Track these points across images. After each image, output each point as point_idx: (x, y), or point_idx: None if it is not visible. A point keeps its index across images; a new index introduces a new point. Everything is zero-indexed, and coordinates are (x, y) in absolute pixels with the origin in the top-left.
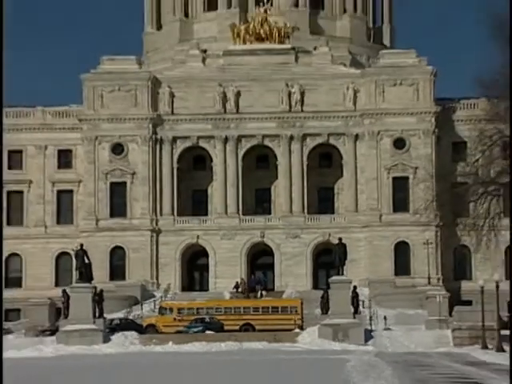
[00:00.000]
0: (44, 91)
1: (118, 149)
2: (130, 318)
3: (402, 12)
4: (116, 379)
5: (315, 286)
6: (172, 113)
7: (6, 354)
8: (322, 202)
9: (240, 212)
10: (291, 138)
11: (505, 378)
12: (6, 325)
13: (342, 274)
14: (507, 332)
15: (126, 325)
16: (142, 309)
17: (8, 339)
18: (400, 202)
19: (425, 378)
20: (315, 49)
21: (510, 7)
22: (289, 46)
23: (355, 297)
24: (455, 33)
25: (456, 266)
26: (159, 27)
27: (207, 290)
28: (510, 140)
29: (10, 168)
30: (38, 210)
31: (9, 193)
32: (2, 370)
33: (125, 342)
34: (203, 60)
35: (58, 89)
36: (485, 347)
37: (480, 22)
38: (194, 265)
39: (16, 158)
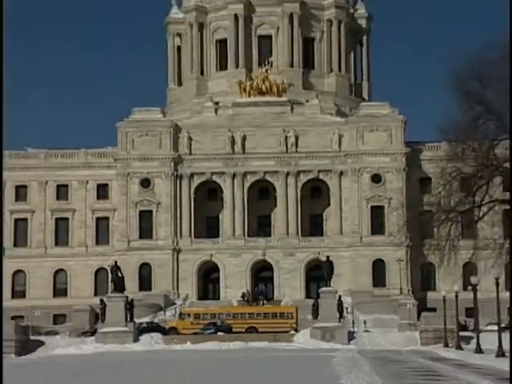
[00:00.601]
0: (85, 136)
1: (145, 183)
2: (155, 321)
3: (378, 70)
4: (144, 371)
5: (307, 296)
6: (190, 153)
7: (54, 351)
8: (312, 226)
9: (245, 234)
10: (287, 173)
11: (462, 372)
12: (54, 327)
13: (330, 286)
14: (465, 333)
15: (152, 327)
16: (165, 314)
17: (55, 339)
18: (377, 226)
19: (397, 371)
20: (307, 101)
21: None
22: (285, 98)
23: (340, 304)
24: (422, 87)
25: (423, 279)
26: (180, 83)
27: (219, 298)
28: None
29: (57, 199)
30: (80, 233)
31: (57, 219)
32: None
33: (151, 342)
34: (216, 110)
35: (96, 134)
36: (446, 346)
37: (441, 78)
38: (208, 278)
39: (63, 191)
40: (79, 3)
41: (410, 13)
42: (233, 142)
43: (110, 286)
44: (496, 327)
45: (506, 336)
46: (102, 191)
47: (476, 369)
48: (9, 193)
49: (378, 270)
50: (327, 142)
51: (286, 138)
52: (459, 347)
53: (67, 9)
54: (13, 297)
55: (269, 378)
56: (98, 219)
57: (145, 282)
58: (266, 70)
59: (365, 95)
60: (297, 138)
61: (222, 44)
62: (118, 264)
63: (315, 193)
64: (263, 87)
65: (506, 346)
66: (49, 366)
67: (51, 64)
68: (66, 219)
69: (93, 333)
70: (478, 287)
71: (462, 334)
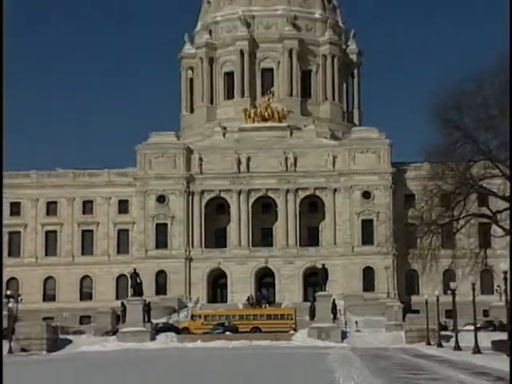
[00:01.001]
0: (108, 157)
1: (161, 199)
2: (170, 322)
3: (368, 98)
4: (160, 365)
5: (305, 299)
6: (201, 173)
7: (80, 349)
8: (310, 237)
9: (250, 245)
10: (287, 191)
11: (442, 367)
12: (80, 327)
13: (325, 290)
14: (445, 333)
15: (167, 327)
16: (178, 316)
17: (82, 338)
18: (367, 237)
19: (385, 366)
20: (305, 126)
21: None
22: (285, 124)
23: (334, 307)
24: (407, 113)
25: (407, 284)
26: (192, 111)
27: (226, 302)
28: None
29: (83, 213)
30: (103, 243)
31: (83, 231)
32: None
33: (166, 340)
34: (223, 134)
35: (118, 155)
36: (428, 344)
37: (424, 106)
38: (216, 283)
39: (88, 206)
40: (105, 38)
41: (395, 48)
42: (239, 163)
43: (130, 290)
44: (472, 327)
45: (481, 335)
46: (123, 206)
47: (454, 364)
48: (41, 208)
49: (368, 276)
50: (322, 163)
51: (286, 158)
52: (440, 345)
53: (94, 44)
54: (44, 300)
55: (271, 373)
56: (119, 231)
57: (160, 287)
58: (269, 99)
59: (356, 121)
60: (295, 159)
61: (229, 76)
62: (137, 271)
63: (312, 208)
64: (266, 114)
65: (481, 344)
66: (76, 361)
67: (78, 93)
68: (91, 231)
69: (114, 332)
70: (456, 292)
71: (443, 333)
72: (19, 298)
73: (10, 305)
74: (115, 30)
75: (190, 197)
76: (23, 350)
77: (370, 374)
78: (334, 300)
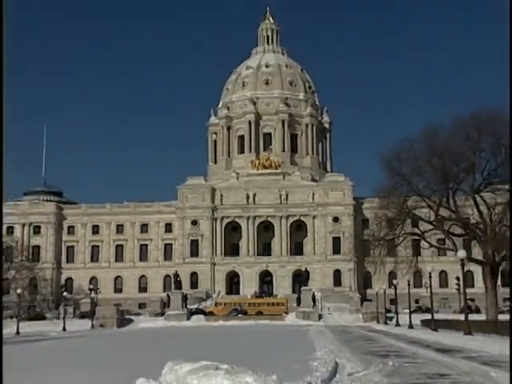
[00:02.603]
0: (159, 194)
1: (194, 223)
2: (200, 307)
3: (337, 152)
4: (195, 335)
5: (293, 292)
6: (221, 204)
7: (139, 325)
8: (297, 249)
9: (255, 254)
10: (281, 217)
11: (387, 337)
12: (139, 311)
13: (307, 286)
14: (389, 314)
15: (198, 311)
16: (206, 303)
17: (140, 318)
18: (336, 249)
19: (348, 338)
20: (293, 172)
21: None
22: (280, 171)
23: (313, 297)
24: (364, 161)
25: (364, 281)
26: (215, 162)
27: (239, 294)
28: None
29: (141, 232)
30: (154, 253)
31: (141, 245)
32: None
33: (197, 320)
34: (237, 178)
35: (165, 193)
36: (378, 322)
37: (376, 158)
38: (232, 281)
39: (144, 227)
40: (161, 114)
41: (355, 118)
42: (247, 198)
43: (173, 286)
44: (408, 311)
45: (413, 316)
46: (168, 228)
47: (396, 336)
48: (112, 229)
49: (337, 276)
50: (305, 198)
51: (280, 195)
52: (386, 323)
53: (151, 117)
54: (115, 292)
55: (270, 341)
56: (166, 245)
57: (194, 284)
58: (268, 154)
59: (328, 169)
60: (287, 195)
61: (241, 138)
62: (178, 272)
63: (298, 228)
64: (266, 164)
65: (413, 322)
66: (138, 334)
67: (140, 153)
68: (146, 245)
69: (162, 314)
70: (397, 286)
71: (388, 315)
72: (98, 290)
73: (92, 295)
74: (168, 110)
75: (214, 221)
76: (101, 325)
77: (339, 343)
78: (313, 292)
